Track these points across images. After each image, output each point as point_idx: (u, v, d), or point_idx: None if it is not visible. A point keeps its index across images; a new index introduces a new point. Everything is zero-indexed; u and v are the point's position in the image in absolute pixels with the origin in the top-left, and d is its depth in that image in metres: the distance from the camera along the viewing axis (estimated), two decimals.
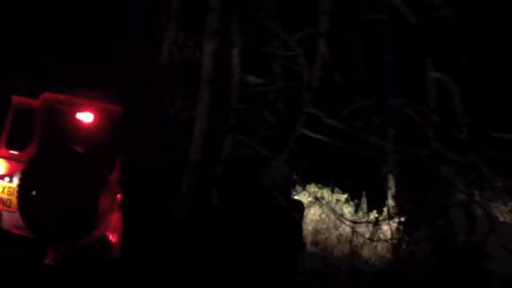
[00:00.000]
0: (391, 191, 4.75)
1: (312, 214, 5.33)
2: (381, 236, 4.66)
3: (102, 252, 3.32)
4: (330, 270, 4.45)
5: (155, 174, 3.28)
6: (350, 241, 4.80)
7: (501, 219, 4.17)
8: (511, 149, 3.53)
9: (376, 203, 5.30)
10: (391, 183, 4.58)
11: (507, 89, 3.90)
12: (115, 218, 3.36)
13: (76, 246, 3.30)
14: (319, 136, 3.55)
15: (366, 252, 4.94)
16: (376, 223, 4.92)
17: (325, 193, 5.75)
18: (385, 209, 4.93)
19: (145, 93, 3.38)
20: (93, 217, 3.23)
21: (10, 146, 3.48)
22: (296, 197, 4.54)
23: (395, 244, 4.28)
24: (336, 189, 5.80)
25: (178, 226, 3.25)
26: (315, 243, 5.09)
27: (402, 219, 4.41)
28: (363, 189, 5.45)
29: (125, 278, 3.20)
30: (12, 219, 3.37)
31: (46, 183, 3.24)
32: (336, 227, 5.18)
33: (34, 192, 3.17)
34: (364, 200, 5.60)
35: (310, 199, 5.26)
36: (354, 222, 4.80)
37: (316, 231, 5.26)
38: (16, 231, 3.31)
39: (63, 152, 3.35)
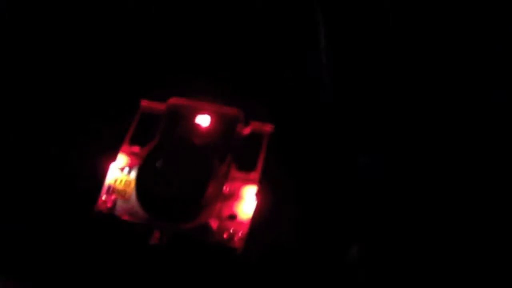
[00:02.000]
0: None
1: None
2: None
3: (203, 237, 3.39)
4: None
5: None
6: None
7: None
8: None
9: None
10: None
11: None
12: (219, 207, 3.42)
13: (181, 230, 3.40)
14: None
15: None
16: None
17: None
18: None
19: None
20: (199, 204, 3.36)
21: (132, 143, 3.69)
22: None
23: None
24: None
25: None
26: None
27: None
28: None
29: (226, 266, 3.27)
30: (124, 207, 3.53)
31: (162, 171, 3.42)
32: None
33: (157, 166, 3.38)
34: None
35: None
36: None
37: None
38: (126, 217, 3.45)
39: (179, 144, 3.56)
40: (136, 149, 3.68)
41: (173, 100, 3.73)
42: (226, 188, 3.39)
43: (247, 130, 3.61)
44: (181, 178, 3.41)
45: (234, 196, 3.36)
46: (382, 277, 3.26)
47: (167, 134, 3.67)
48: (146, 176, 3.52)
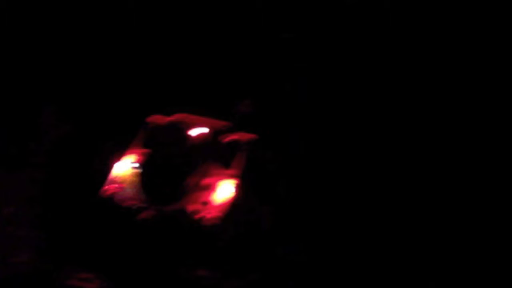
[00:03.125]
0: None
1: None
2: None
3: (180, 218, 4.06)
4: None
5: None
6: None
7: None
8: None
9: None
10: None
11: None
12: (196, 196, 4.11)
13: (164, 211, 4.10)
14: None
15: None
16: None
17: None
18: None
19: None
20: (179, 191, 4.08)
21: (140, 145, 4.50)
22: None
23: None
24: None
25: None
26: None
27: None
28: None
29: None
30: (122, 195, 4.29)
31: (158, 165, 4.23)
32: None
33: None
34: None
35: None
36: None
37: None
38: (124, 204, 4.21)
39: (173, 148, 4.36)
40: (141, 150, 4.46)
41: (175, 115, 4.53)
42: (204, 181, 4.07)
43: (233, 137, 4.30)
44: (171, 172, 4.14)
45: (210, 187, 4.03)
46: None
47: (167, 138, 4.44)
48: (148, 168, 4.26)
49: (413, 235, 3.52)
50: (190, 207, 4.03)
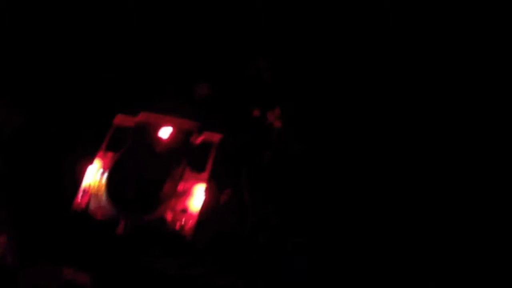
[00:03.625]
0: None
1: None
2: None
3: (160, 227, 4.15)
4: None
5: None
6: None
7: None
8: None
9: None
10: None
11: None
12: (174, 202, 4.21)
13: (142, 221, 4.16)
14: None
15: None
16: None
17: None
18: None
19: None
20: (157, 199, 4.14)
21: (107, 150, 4.54)
22: None
23: None
24: None
25: None
26: None
27: None
28: None
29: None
30: (96, 206, 4.33)
31: (128, 172, 4.26)
32: None
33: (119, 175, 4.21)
34: None
35: None
36: None
37: None
38: (98, 215, 4.27)
39: (143, 151, 4.40)
40: (109, 155, 4.49)
41: (141, 115, 4.56)
42: (180, 187, 4.16)
43: (200, 139, 4.38)
44: (144, 178, 4.20)
45: (186, 193, 4.13)
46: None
47: (135, 141, 4.46)
48: (115, 177, 4.30)
49: (413, 235, 3.68)
50: (169, 216, 4.14)
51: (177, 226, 4.10)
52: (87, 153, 4.52)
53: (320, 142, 4.45)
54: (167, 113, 4.63)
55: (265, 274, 4.00)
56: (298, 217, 4.15)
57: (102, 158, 4.53)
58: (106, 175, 4.37)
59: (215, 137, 4.48)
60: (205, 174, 4.30)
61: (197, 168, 4.32)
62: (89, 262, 4.02)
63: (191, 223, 4.10)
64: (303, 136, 4.47)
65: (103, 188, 4.36)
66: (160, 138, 4.46)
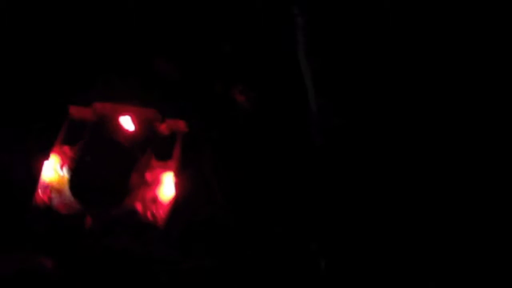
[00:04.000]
0: None
1: None
2: None
3: (131, 219, 3.89)
4: None
5: None
6: None
7: None
8: None
9: None
10: None
11: None
12: (142, 192, 3.95)
13: (111, 215, 3.90)
14: None
15: None
16: None
17: None
18: None
19: None
20: (124, 190, 3.89)
21: (64, 143, 4.20)
22: None
23: None
24: None
25: None
26: None
27: None
28: None
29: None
30: (60, 201, 4.02)
31: (91, 165, 3.98)
32: None
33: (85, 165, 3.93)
34: None
35: None
36: None
37: None
38: (62, 210, 3.95)
39: (105, 141, 4.12)
40: (66, 149, 4.17)
41: (98, 104, 4.25)
42: (148, 177, 3.91)
43: (163, 127, 4.14)
44: (108, 170, 3.94)
45: (155, 182, 3.88)
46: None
47: (95, 133, 4.18)
48: (78, 172, 4.03)
49: (413, 235, 3.61)
50: (139, 207, 3.88)
51: (149, 215, 3.87)
52: (40, 147, 4.19)
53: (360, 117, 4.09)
54: (125, 101, 4.34)
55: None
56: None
57: (59, 152, 4.20)
58: (66, 169, 4.07)
59: (180, 124, 4.24)
60: (173, 162, 4.07)
61: (164, 156, 4.09)
62: (52, 248, 3.76)
63: (162, 212, 3.91)
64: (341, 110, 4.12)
65: (65, 182, 4.06)
66: (120, 128, 4.20)
